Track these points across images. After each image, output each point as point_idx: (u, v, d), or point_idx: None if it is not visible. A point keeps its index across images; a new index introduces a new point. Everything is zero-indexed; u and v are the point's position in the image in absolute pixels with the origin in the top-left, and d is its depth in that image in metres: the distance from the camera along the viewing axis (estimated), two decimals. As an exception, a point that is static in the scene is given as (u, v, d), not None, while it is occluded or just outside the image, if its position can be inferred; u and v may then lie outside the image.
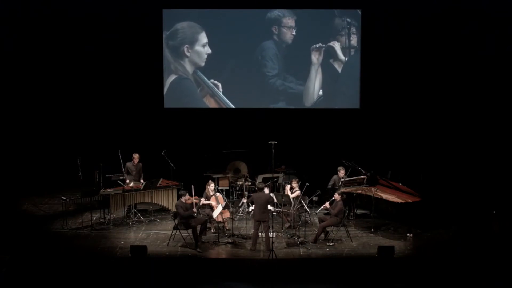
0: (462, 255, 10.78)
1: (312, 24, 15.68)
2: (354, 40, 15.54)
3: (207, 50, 15.66)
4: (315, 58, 15.66)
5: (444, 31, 15.30)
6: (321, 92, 15.73)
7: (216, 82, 15.76)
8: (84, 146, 14.91)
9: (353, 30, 15.51)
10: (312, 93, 15.73)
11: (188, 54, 15.70)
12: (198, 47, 15.68)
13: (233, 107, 15.78)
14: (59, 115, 15.79)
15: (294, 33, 15.62)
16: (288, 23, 15.68)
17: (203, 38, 15.64)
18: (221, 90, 15.76)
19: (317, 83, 15.72)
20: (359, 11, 15.45)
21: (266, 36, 15.69)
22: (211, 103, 15.83)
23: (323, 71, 15.71)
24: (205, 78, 15.73)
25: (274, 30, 15.64)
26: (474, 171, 15.10)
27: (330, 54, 15.65)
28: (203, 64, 15.70)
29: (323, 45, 15.59)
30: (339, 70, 15.65)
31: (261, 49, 15.71)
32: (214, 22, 15.68)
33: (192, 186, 11.47)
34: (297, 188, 12.31)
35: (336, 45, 15.58)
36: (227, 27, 15.71)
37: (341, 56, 15.61)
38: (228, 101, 15.76)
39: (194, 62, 15.73)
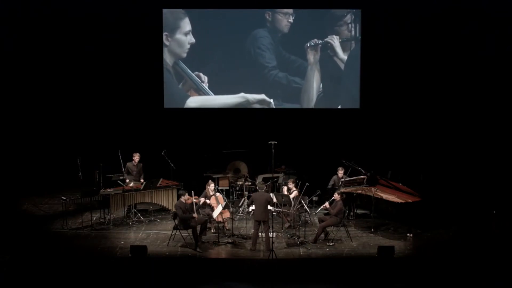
0: (462, 255, 10.78)
1: (309, 17, 14.82)
2: (353, 40, 15.49)
3: (190, 39, 14.36)
4: (311, 57, 14.93)
5: (444, 31, 15.30)
6: (321, 88, 15.45)
7: (201, 74, 14.68)
8: (84, 146, 14.91)
9: (353, 30, 15.48)
10: (312, 93, 15.52)
11: (167, 42, 14.59)
12: (179, 35, 14.45)
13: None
14: (59, 115, 15.79)
15: (291, 20, 14.37)
16: (283, 9, 14.38)
17: (186, 25, 14.35)
18: (207, 84, 14.59)
19: (315, 82, 15.25)
20: (359, 11, 15.43)
21: (258, 23, 14.37)
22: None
23: (321, 69, 15.21)
24: (189, 70, 14.55)
25: (267, 17, 14.38)
26: (474, 171, 15.10)
27: (327, 50, 15.21)
28: (185, 55, 14.54)
29: (319, 41, 14.84)
30: (341, 67, 15.15)
31: (253, 38, 14.48)
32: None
33: (194, 198, 11.48)
34: (294, 189, 12.30)
35: (335, 40, 14.81)
36: (214, 13, 14.42)
37: (341, 54, 15.00)
38: (215, 96, 14.85)
39: (174, 52, 14.57)
